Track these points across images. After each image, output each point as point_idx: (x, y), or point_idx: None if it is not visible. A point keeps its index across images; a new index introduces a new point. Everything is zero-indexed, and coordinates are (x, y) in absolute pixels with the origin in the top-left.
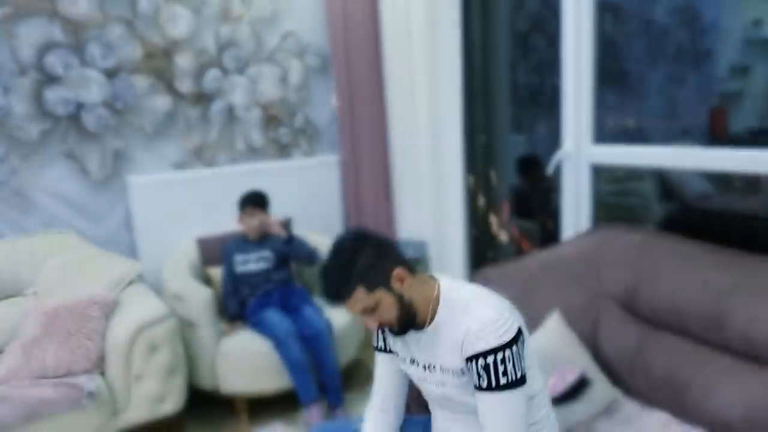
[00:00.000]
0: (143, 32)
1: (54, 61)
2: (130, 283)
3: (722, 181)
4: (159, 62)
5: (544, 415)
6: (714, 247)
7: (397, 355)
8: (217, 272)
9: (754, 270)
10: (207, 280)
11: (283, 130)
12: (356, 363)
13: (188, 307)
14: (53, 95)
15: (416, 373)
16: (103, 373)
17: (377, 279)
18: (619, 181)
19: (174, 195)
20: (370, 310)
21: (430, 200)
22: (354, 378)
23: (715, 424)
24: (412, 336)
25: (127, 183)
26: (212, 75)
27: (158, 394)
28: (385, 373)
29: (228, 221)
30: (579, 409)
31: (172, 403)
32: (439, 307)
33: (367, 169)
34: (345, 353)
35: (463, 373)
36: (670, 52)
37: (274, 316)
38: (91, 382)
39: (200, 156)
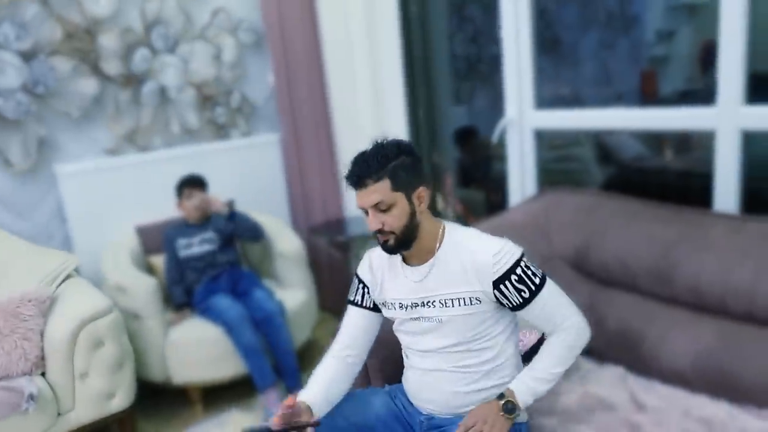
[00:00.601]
0: (60, 11)
1: None
2: (67, 277)
3: (654, 142)
4: (81, 43)
5: (506, 378)
6: (657, 204)
7: (383, 305)
8: (160, 261)
9: (697, 223)
10: (150, 270)
11: (219, 110)
12: (310, 344)
13: (132, 299)
14: None
15: (404, 315)
16: (44, 374)
17: (404, 184)
18: (558, 148)
19: (108, 183)
20: (384, 208)
21: None
22: (309, 359)
23: (668, 373)
24: (406, 273)
25: (56, 172)
26: (141, 55)
27: (106, 390)
28: (351, 325)
29: (167, 208)
30: None
31: (121, 399)
32: (443, 242)
33: (311, 147)
34: (298, 335)
35: (479, 301)
36: (600, 18)
37: (223, 301)
38: (31, 384)
39: (133, 141)
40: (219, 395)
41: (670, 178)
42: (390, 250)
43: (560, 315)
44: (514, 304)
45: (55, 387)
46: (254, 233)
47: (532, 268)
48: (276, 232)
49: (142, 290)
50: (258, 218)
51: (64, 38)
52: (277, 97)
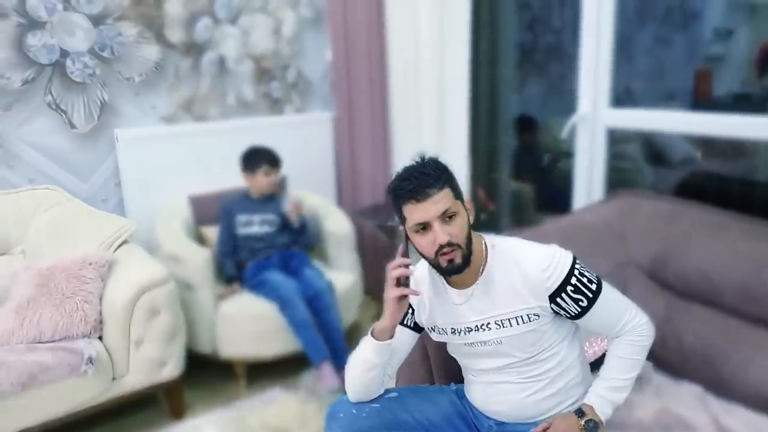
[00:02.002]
0: None
1: (36, 4)
2: (123, 243)
3: (706, 145)
4: (148, 9)
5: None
6: (744, 216)
7: (432, 330)
8: (211, 232)
9: None
10: (201, 240)
11: (275, 85)
12: (355, 326)
13: (185, 268)
14: (36, 41)
15: (459, 341)
16: (101, 338)
17: (459, 193)
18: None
19: (163, 150)
20: (450, 216)
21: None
22: (355, 341)
23: (753, 398)
24: (452, 297)
25: (115, 137)
26: (203, 24)
27: (158, 359)
28: (396, 340)
29: (220, 179)
30: None
31: (172, 368)
32: (489, 258)
33: (364, 129)
34: (345, 317)
35: (537, 316)
36: (658, 12)
37: (276, 277)
38: (90, 347)
39: (190, 110)
40: (263, 372)
41: (745, 187)
42: (458, 268)
43: (622, 317)
44: (573, 313)
45: (111, 351)
46: (311, 244)
47: (586, 274)
48: (326, 212)
49: (196, 261)
50: (307, 197)
51: (132, 3)
52: (333, 75)
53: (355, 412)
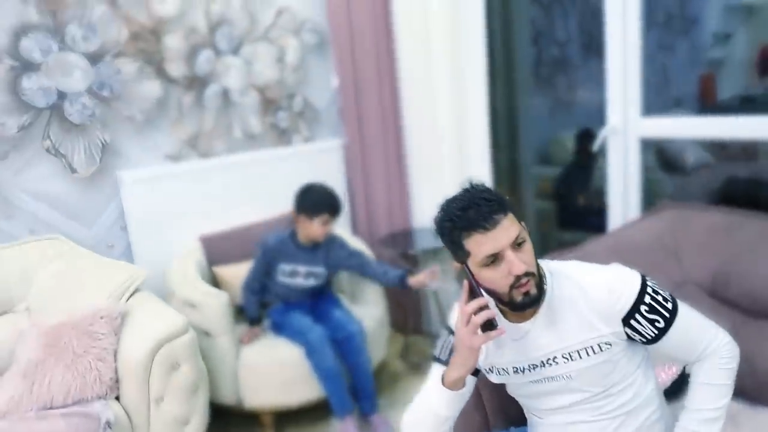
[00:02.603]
0: (128, 10)
1: (30, 46)
2: (135, 291)
3: (718, 149)
4: (147, 44)
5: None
6: None
7: (490, 371)
8: (227, 272)
9: None
10: (215, 283)
11: (281, 114)
12: (383, 364)
13: (203, 315)
14: (31, 84)
15: (522, 380)
16: (117, 398)
17: (519, 217)
18: None
19: (169, 190)
20: (520, 242)
21: (454, 183)
22: (382, 380)
23: None
24: (513, 334)
25: (119, 179)
26: (205, 56)
27: (181, 416)
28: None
29: (231, 216)
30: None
31: (195, 425)
32: (548, 284)
33: (377, 153)
34: (374, 354)
35: (610, 345)
36: (659, 19)
37: (303, 321)
38: (107, 410)
39: (195, 146)
40: (291, 420)
41: None
42: (534, 299)
43: (703, 338)
44: (649, 337)
45: (129, 412)
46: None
47: (660, 292)
48: None
49: (214, 306)
50: None
51: (130, 39)
52: (340, 100)
53: None
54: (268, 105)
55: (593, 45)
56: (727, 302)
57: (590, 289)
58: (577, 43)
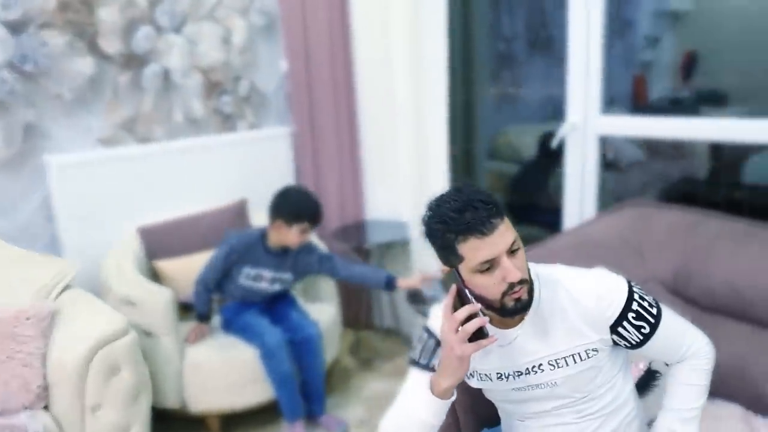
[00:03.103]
0: None
1: None
2: (65, 288)
3: (649, 147)
4: (77, 15)
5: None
6: (764, 224)
7: (470, 376)
8: (169, 266)
9: None
10: (156, 278)
11: (226, 99)
12: (335, 363)
13: (144, 314)
14: None
15: (506, 386)
16: (47, 407)
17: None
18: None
19: (103, 177)
20: (515, 249)
21: (411, 175)
22: (333, 380)
23: None
24: (500, 342)
25: (45, 163)
26: (144, 33)
27: (121, 424)
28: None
29: (172, 206)
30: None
31: None
32: (535, 289)
33: (329, 142)
34: (327, 353)
35: (596, 351)
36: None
37: (260, 322)
38: (34, 422)
39: (132, 130)
40: (238, 423)
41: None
42: (525, 305)
43: (684, 341)
44: (634, 342)
45: (61, 423)
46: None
47: (646, 297)
48: None
49: (157, 303)
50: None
51: (58, 8)
52: (290, 86)
53: None
54: (212, 88)
55: (539, 42)
56: (688, 299)
57: (579, 296)
58: (523, 40)
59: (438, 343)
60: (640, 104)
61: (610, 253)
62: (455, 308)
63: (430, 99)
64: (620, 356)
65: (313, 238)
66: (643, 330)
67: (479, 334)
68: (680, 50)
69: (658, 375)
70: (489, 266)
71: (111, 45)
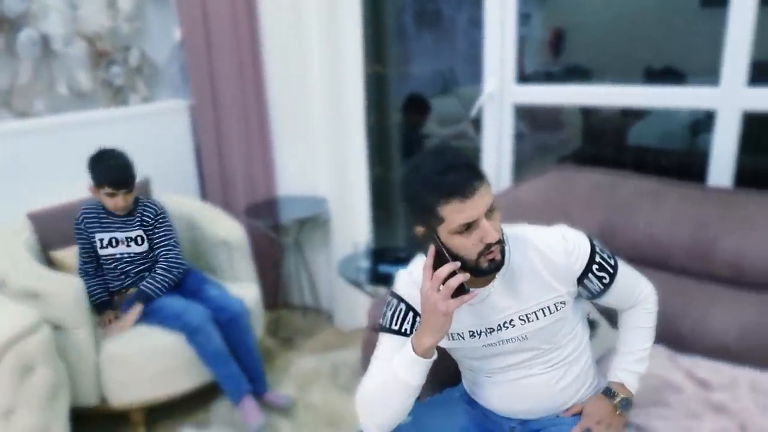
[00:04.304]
0: None
1: None
2: None
3: (532, 119)
4: None
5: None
6: (678, 182)
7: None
8: (67, 255)
9: (729, 201)
10: (54, 268)
11: (115, 70)
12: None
13: (52, 306)
14: None
15: (477, 344)
16: None
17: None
18: (449, 123)
19: None
20: (492, 210)
21: (327, 148)
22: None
23: (712, 349)
24: (472, 301)
25: None
26: None
27: (39, 427)
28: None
29: (66, 188)
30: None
31: None
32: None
33: (233, 115)
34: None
35: (564, 303)
36: None
37: (177, 303)
38: None
39: (8, 103)
40: (163, 414)
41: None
42: (499, 265)
43: (637, 288)
44: (595, 292)
45: None
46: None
47: (603, 249)
48: (207, 216)
49: (66, 294)
50: (176, 200)
51: None
52: (187, 56)
53: None
54: (99, 58)
55: (426, 18)
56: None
57: (549, 253)
58: (410, 14)
59: (408, 307)
60: (519, 78)
61: (537, 213)
62: (434, 268)
63: (346, 67)
64: (579, 307)
65: (222, 216)
66: (604, 280)
67: (461, 291)
68: (548, 27)
69: (596, 324)
70: (468, 227)
71: None
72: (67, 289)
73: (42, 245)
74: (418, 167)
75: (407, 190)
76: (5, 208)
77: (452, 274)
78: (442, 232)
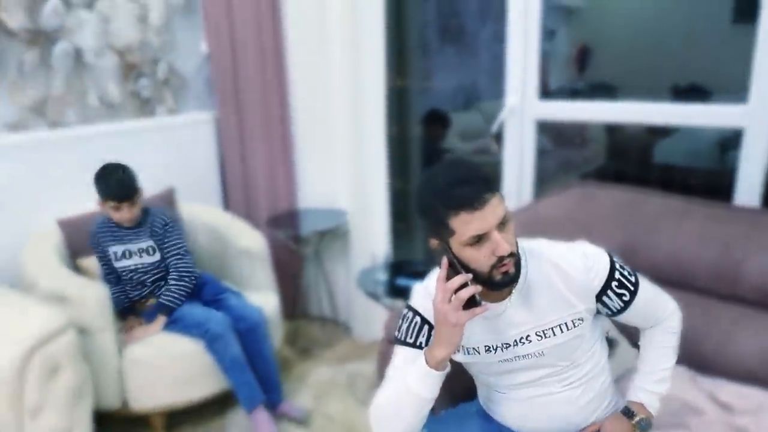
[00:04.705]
0: None
1: None
2: None
3: (557, 135)
4: None
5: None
6: (701, 201)
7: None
8: (91, 263)
9: (754, 221)
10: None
11: (144, 82)
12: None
13: (78, 310)
14: None
15: (492, 359)
16: None
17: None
18: (471, 139)
19: (12, 164)
20: (504, 223)
21: (348, 161)
22: (283, 372)
23: (736, 372)
24: (487, 315)
25: None
26: (51, 7)
27: (63, 428)
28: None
29: (89, 196)
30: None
31: None
32: (522, 261)
33: (257, 128)
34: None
35: (582, 320)
36: (496, 10)
37: (198, 311)
38: None
39: (43, 113)
40: (183, 420)
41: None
42: (513, 278)
43: (659, 306)
44: (615, 310)
45: None
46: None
47: (625, 267)
48: (230, 226)
49: (91, 298)
50: (199, 210)
51: None
52: (213, 69)
53: None
54: (129, 70)
55: (449, 33)
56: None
57: (568, 268)
58: (434, 29)
59: (424, 320)
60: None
61: (559, 230)
62: (447, 280)
63: (367, 82)
64: (598, 325)
65: (244, 227)
66: (624, 297)
67: (472, 304)
68: (574, 43)
69: (615, 343)
70: (479, 239)
71: (14, 19)
72: (93, 294)
73: (70, 251)
74: (431, 179)
75: (420, 202)
76: (37, 214)
77: (465, 286)
78: (454, 244)
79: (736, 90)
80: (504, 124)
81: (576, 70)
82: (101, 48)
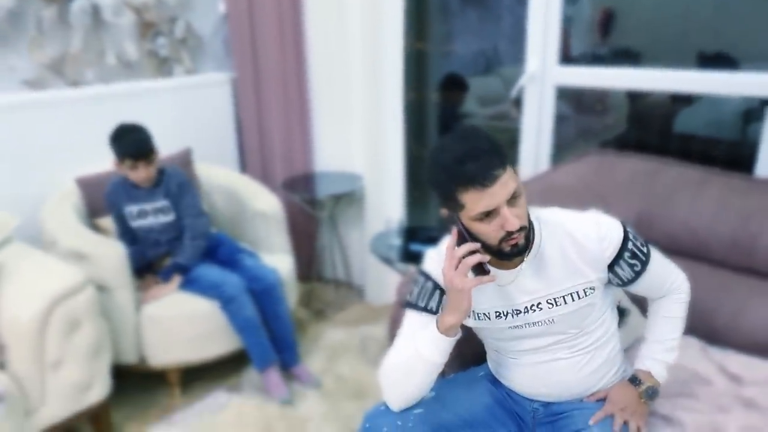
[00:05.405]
0: None
1: None
2: (4, 241)
3: (578, 102)
4: None
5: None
6: (720, 172)
7: (468, 316)
8: (109, 223)
9: None
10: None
11: (161, 41)
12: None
13: (97, 267)
14: None
15: (503, 324)
16: (2, 365)
17: (514, 167)
18: (490, 103)
19: (31, 122)
20: (516, 197)
21: (365, 125)
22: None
23: (746, 344)
24: (499, 279)
25: None
26: None
27: (82, 381)
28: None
29: (107, 155)
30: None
31: (98, 390)
32: (536, 231)
33: (274, 90)
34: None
35: (593, 289)
36: None
37: (214, 272)
38: None
39: (61, 72)
40: (198, 376)
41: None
42: (522, 250)
43: (669, 276)
44: (627, 279)
45: (20, 381)
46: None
47: (637, 237)
48: (246, 188)
49: (110, 256)
50: (216, 172)
51: None
52: (230, 29)
53: (400, 423)
54: (147, 29)
55: None
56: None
57: (581, 237)
58: None
59: (435, 285)
60: (564, 58)
61: (574, 198)
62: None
63: (386, 43)
64: (609, 294)
65: (260, 189)
66: (635, 268)
67: (481, 272)
68: (598, 7)
69: (627, 312)
70: (488, 215)
71: None
72: (111, 252)
73: (88, 210)
74: (441, 152)
75: (431, 175)
76: (56, 172)
77: (473, 253)
78: (464, 217)
79: (766, 58)
80: (523, 90)
81: (599, 36)
82: (118, 5)
